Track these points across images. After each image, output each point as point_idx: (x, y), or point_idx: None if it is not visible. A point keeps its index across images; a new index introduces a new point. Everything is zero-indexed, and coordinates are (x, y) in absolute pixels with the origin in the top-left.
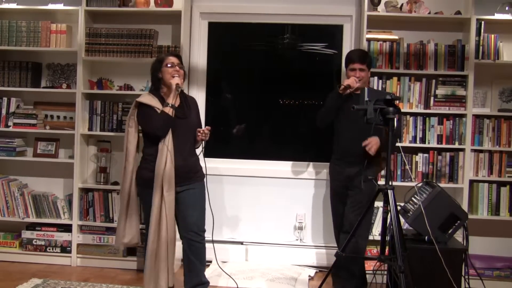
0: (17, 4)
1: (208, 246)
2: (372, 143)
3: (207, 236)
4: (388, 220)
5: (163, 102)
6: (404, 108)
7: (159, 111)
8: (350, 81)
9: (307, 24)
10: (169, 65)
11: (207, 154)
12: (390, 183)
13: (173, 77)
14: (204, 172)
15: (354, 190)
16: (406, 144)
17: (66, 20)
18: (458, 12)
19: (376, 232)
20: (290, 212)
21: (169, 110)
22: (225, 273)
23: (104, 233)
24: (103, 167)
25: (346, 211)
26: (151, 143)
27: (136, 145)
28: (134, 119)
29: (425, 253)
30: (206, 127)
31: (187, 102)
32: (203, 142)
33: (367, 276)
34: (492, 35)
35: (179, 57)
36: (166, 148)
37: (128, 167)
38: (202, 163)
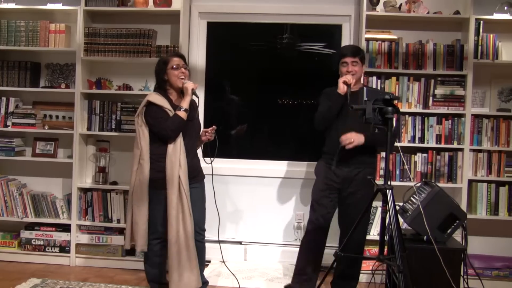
0: (15, 4)
1: (210, 246)
2: (353, 139)
3: (212, 236)
4: (387, 220)
5: (170, 102)
6: (403, 108)
7: (169, 112)
8: (346, 78)
9: (306, 24)
10: (174, 67)
11: (205, 154)
12: (389, 183)
13: (181, 79)
14: (211, 172)
15: (353, 198)
16: (405, 144)
17: (65, 20)
18: (457, 12)
19: (375, 232)
20: (289, 212)
21: (182, 114)
22: (231, 272)
23: (103, 233)
24: (102, 167)
25: (349, 223)
26: (157, 143)
27: None
28: (142, 117)
29: (424, 253)
30: (213, 126)
31: (192, 104)
32: (213, 142)
33: (366, 276)
34: (491, 35)
35: (183, 57)
36: (179, 148)
37: (145, 166)
38: (209, 163)
